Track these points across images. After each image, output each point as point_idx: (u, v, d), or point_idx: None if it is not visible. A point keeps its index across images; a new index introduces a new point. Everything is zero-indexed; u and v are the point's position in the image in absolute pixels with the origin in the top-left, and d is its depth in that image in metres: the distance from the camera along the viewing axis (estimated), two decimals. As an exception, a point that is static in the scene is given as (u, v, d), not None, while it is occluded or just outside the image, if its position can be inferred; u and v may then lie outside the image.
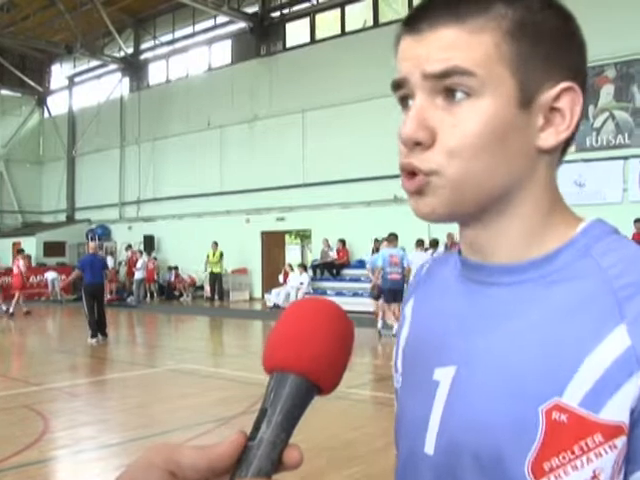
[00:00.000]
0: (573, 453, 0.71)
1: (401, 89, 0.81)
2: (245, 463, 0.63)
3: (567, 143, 0.83)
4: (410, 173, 0.79)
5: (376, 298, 14.02)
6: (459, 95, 0.76)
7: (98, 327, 13.45)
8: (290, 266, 20.97)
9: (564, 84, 0.78)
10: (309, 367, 0.66)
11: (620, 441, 0.71)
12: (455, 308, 0.86)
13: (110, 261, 23.54)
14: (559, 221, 0.82)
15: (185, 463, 0.62)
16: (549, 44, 0.78)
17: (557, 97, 0.78)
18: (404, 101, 0.82)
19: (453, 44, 0.76)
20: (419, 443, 0.84)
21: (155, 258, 25.35)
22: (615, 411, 0.70)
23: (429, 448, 0.82)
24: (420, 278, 1.01)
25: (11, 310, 18.96)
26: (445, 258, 0.99)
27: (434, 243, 15.84)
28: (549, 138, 0.79)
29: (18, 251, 21.87)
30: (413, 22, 0.80)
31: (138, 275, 23.62)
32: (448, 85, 0.76)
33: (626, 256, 0.77)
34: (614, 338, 0.71)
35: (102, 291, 14.22)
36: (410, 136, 0.77)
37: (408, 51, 0.80)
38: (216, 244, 22.53)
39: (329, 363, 0.68)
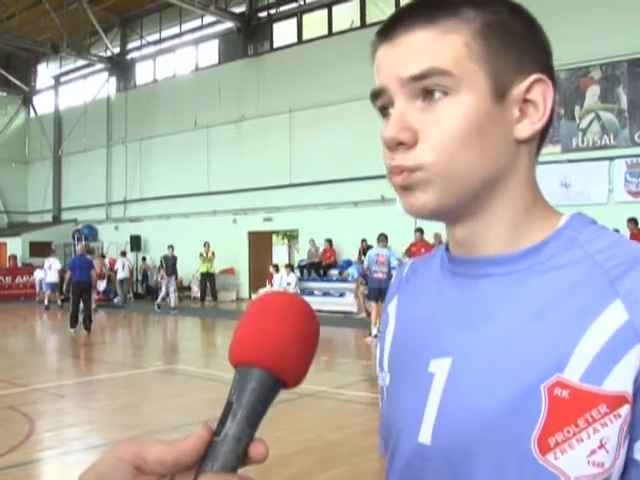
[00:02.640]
0: (577, 426, 0.74)
1: (380, 98, 0.86)
2: (211, 458, 0.64)
3: (543, 135, 0.87)
4: (396, 171, 0.83)
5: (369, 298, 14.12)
6: (437, 94, 0.80)
7: (83, 322, 14.87)
8: (275, 267, 20.90)
9: (534, 76, 0.83)
10: (274, 362, 0.67)
11: (624, 410, 0.74)
12: (446, 302, 0.89)
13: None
14: (541, 212, 0.87)
15: (152, 458, 0.63)
16: (516, 41, 0.83)
17: (529, 89, 0.83)
18: (384, 110, 0.86)
19: (427, 45, 0.81)
20: (413, 434, 0.86)
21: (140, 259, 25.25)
22: (618, 382, 0.74)
23: (424, 438, 0.84)
24: (402, 278, 1.04)
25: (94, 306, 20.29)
26: (429, 257, 1.02)
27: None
28: (525, 128, 0.83)
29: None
30: (388, 30, 0.84)
31: (121, 275, 23.48)
32: (426, 86, 0.80)
33: (610, 242, 0.82)
34: (611, 313, 0.75)
35: (89, 289, 15.52)
36: (393, 137, 0.81)
37: (384, 59, 0.84)
38: (208, 244, 22.39)
39: (293, 358, 0.69)
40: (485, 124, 0.81)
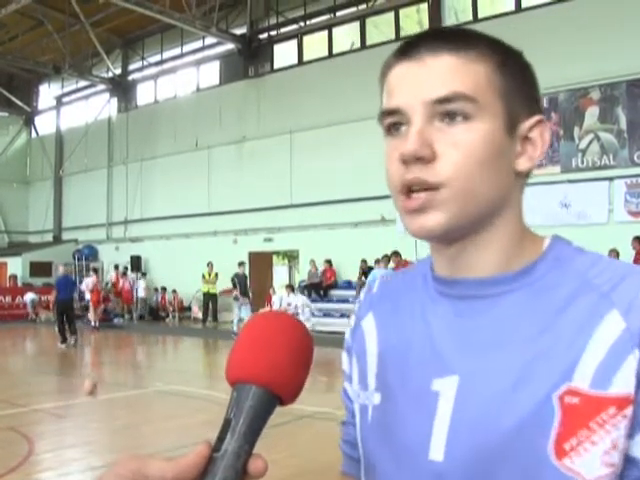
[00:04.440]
0: (590, 429, 0.79)
1: (393, 116, 0.88)
2: (211, 474, 0.66)
3: (528, 173, 0.93)
4: (409, 191, 0.86)
5: None
6: (458, 118, 0.84)
7: (71, 332, 16.30)
8: (273, 289, 20.87)
9: (537, 117, 0.90)
10: (270, 379, 0.70)
11: (629, 410, 0.79)
12: (441, 323, 0.92)
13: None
14: (529, 237, 0.93)
15: (152, 474, 0.64)
16: (524, 83, 0.90)
17: (531, 128, 0.90)
18: (392, 128, 0.89)
19: (454, 70, 0.85)
20: (422, 452, 0.87)
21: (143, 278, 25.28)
22: (622, 385, 0.79)
23: (436, 455, 0.86)
24: (373, 294, 1.07)
25: (97, 324, 21.25)
26: (403, 274, 1.07)
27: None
28: (525, 163, 0.90)
29: (94, 270, 24.15)
30: (411, 49, 0.88)
31: (140, 294, 23.77)
32: (450, 109, 0.84)
33: (593, 260, 0.89)
34: (609, 322, 0.81)
35: (72, 306, 17.29)
36: (414, 151, 0.83)
37: (405, 78, 0.87)
38: (211, 264, 22.31)
39: (289, 375, 0.72)
40: (498, 152, 0.86)
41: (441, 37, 0.87)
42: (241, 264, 18.92)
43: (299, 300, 18.63)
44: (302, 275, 22.46)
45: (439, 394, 0.88)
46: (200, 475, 0.66)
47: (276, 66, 23.60)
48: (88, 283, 21.79)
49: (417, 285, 0.99)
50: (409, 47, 0.88)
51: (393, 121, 0.88)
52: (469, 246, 0.90)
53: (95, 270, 23.98)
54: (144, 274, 24.39)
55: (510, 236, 0.90)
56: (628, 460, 0.80)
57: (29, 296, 24.95)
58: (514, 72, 0.88)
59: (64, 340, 16.17)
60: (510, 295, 0.88)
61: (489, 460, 0.82)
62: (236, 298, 18.41)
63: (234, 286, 18.79)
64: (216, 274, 22.17)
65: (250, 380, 0.70)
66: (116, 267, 25.92)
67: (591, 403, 0.79)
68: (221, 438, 0.68)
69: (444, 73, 0.84)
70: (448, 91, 0.83)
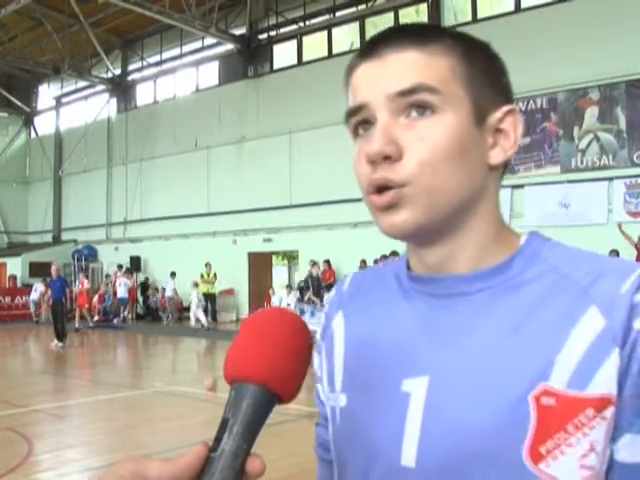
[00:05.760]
0: (567, 432, 0.76)
1: (358, 114, 0.86)
2: (208, 474, 0.65)
3: (506, 165, 0.90)
4: (379, 189, 0.83)
5: None
6: (423, 112, 0.82)
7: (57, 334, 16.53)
8: (272, 289, 20.88)
9: (507, 107, 0.87)
10: (268, 377, 0.69)
11: (609, 412, 0.76)
12: (413, 321, 0.88)
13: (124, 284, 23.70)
14: (505, 234, 0.90)
15: (151, 475, 0.65)
16: (490, 73, 0.87)
17: (501, 119, 0.87)
18: (358, 128, 0.87)
19: (416, 63, 0.83)
20: (394, 457, 0.83)
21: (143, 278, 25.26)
22: (601, 385, 0.75)
23: (408, 461, 0.82)
24: (343, 292, 1.03)
25: (91, 324, 21.67)
26: (374, 272, 1.03)
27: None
28: (498, 155, 0.87)
29: (84, 270, 24.55)
30: (373, 48, 0.86)
31: (168, 293, 23.88)
32: (414, 101, 0.82)
33: (572, 255, 0.86)
34: (588, 319, 0.78)
35: (61, 306, 17.34)
36: (380, 150, 0.81)
37: (368, 76, 0.85)
38: (210, 264, 22.32)
39: (288, 373, 0.71)
40: (467, 145, 0.83)
41: (402, 33, 0.85)
42: (314, 264, 16.95)
43: (292, 299, 18.58)
44: (302, 275, 22.47)
45: (410, 395, 0.84)
46: (197, 475, 0.66)
47: (276, 66, 23.59)
48: (127, 282, 23.28)
49: (388, 283, 0.96)
50: (371, 47, 0.87)
51: (359, 120, 0.86)
52: (443, 243, 0.87)
53: (86, 269, 24.10)
54: (173, 274, 24.13)
55: (486, 232, 0.87)
56: (612, 464, 0.77)
57: (37, 288, 24.44)
58: (480, 62, 0.86)
59: (60, 339, 16.42)
60: (484, 293, 0.85)
61: (462, 466, 0.78)
62: (310, 302, 16.95)
63: (307, 288, 17.42)
64: (215, 274, 22.13)
65: (247, 379, 0.69)
66: (119, 267, 25.79)
67: (568, 404, 0.76)
68: (218, 438, 0.67)
69: (406, 67, 0.82)
70: (409, 83, 0.81)
